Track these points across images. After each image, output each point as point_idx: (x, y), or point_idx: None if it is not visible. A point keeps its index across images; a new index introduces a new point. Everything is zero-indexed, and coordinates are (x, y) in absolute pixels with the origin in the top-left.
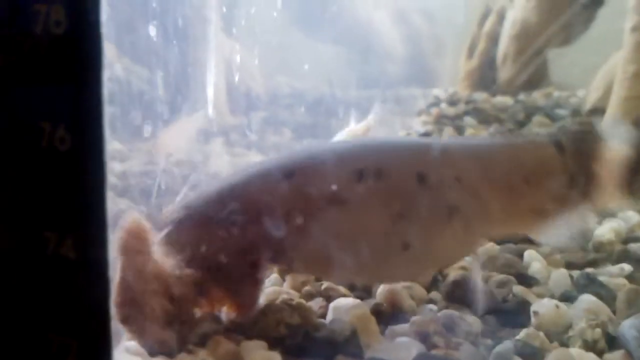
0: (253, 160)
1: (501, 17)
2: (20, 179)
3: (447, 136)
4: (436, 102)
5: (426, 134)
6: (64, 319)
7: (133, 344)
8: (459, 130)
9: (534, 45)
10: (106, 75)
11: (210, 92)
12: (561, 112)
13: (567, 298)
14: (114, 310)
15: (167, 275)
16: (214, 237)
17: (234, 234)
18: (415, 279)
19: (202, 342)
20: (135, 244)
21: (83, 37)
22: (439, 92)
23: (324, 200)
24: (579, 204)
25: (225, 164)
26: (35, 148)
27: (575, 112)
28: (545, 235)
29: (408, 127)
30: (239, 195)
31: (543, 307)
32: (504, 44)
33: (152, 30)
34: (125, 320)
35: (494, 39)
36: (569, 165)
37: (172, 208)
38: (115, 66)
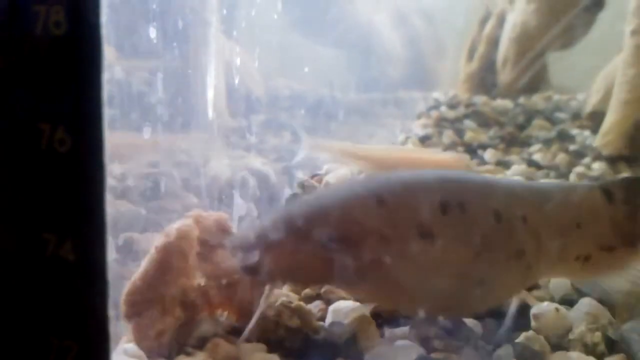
0: (252, 162)
1: (501, 20)
2: (20, 180)
3: (449, 139)
4: (436, 105)
5: (426, 137)
6: (63, 320)
7: (131, 346)
8: (459, 133)
9: (534, 48)
10: (105, 77)
11: (210, 94)
12: (561, 115)
13: (567, 302)
14: (124, 304)
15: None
16: (303, 259)
17: (324, 256)
18: (479, 312)
19: (201, 344)
20: (179, 246)
21: (83, 38)
22: (439, 95)
23: (411, 230)
24: (625, 254)
25: (225, 166)
26: (34, 149)
27: (575, 116)
28: (587, 284)
29: (408, 130)
30: (334, 218)
31: (543, 310)
32: (504, 47)
33: (152, 32)
34: (131, 317)
35: (494, 42)
36: (617, 214)
37: (260, 225)
38: (114, 68)
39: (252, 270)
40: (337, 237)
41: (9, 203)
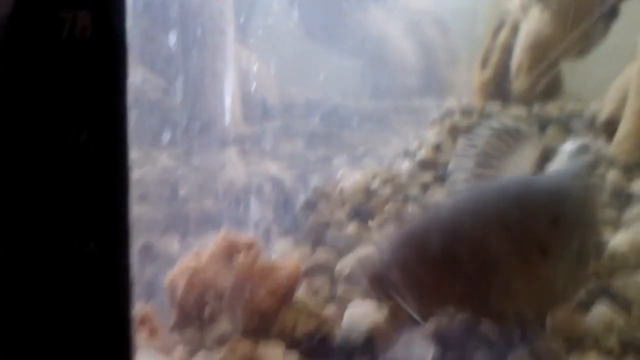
0: (267, 168)
1: (515, 29)
2: (47, 181)
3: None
4: (449, 113)
5: (439, 145)
6: (87, 318)
7: (153, 344)
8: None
9: (548, 56)
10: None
11: (228, 101)
12: (576, 123)
13: (583, 304)
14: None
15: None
16: (434, 277)
17: (455, 275)
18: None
19: (220, 343)
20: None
21: (108, 44)
22: (452, 103)
23: (532, 248)
24: None
25: (241, 172)
26: (62, 151)
27: (590, 124)
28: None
29: (421, 138)
30: (467, 239)
31: (559, 314)
32: (518, 56)
33: (172, 40)
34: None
35: (508, 50)
36: None
37: (380, 254)
38: (131, 75)
39: (381, 286)
40: (469, 256)
41: (35, 203)
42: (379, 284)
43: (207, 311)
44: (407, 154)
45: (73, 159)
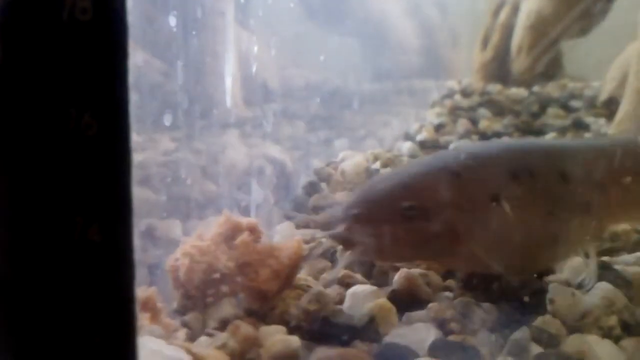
0: (269, 150)
1: (515, 9)
2: (49, 164)
3: (464, 128)
4: (450, 94)
5: (440, 126)
6: (90, 301)
7: (155, 327)
8: (473, 121)
9: (548, 36)
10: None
11: (228, 83)
12: (576, 103)
13: (583, 286)
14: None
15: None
16: (389, 233)
17: (410, 230)
18: (554, 265)
19: (222, 326)
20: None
21: (108, 25)
22: (452, 83)
23: (486, 199)
24: None
25: (242, 155)
26: (62, 134)
27: (590, 104)
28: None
29: (422, 119)
30: (415, 192)
31: (559, 294)
32: (519, 36)
33: (172, 21)
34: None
35: (508, 30)
36: None
37: (341, 207)
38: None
39: (342, 240)
40: (418, 208)
41: (37, 186)
42: (343, 239)
43: (209, 293)
44: (407, 135)
45: (75, 142)
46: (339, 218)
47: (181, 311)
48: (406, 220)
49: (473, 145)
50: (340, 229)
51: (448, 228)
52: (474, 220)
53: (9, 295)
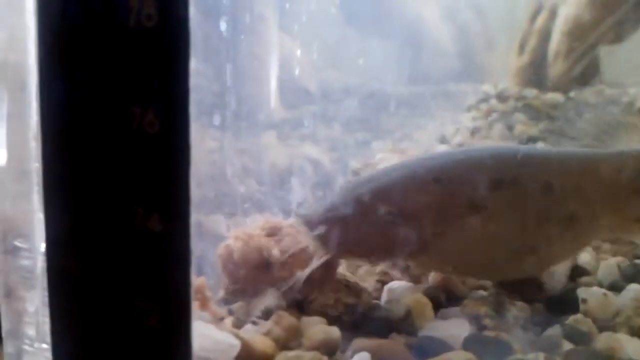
0: (308, 151)
1: (553, 14)
2: (113, 159)
3: (499, 132)
4: (486, 98)
5: (476, 130)
6: (150, 286)
7: (204, 314)
8: (509, 127)
9: (586, 42)
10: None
11: (273, 85)
12: (613, 109)
13: (615, 287)
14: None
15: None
16: (367, 232)
17: (386, 230)
18: (536, 276)
19: (266, 316)
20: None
21: (172, 30)
22: (488, 88)
23: (465, 205)
24: None
25: (282, 155)
26: (127, 131)
27: (627, 110)
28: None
29: (458, 123)
30: (393, 198)
31: (591, 295)
32: (556, 41)
33: (222, 27)
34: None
35: (545, 35)
36: None
37: (323, 207)
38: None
39: (320, 240)
40: (398, 211)
41: (104, 179)
42: (321, 239)
43: (260, 278)
44: (443, 138)
45: (138, 138)
46: (320, 219)
47: (228, 300)
48: (382, 225)
49: (457, 150)
50: (320, 230)
51: (421, 233)
52: (449, 227)
53: (74, 280)
